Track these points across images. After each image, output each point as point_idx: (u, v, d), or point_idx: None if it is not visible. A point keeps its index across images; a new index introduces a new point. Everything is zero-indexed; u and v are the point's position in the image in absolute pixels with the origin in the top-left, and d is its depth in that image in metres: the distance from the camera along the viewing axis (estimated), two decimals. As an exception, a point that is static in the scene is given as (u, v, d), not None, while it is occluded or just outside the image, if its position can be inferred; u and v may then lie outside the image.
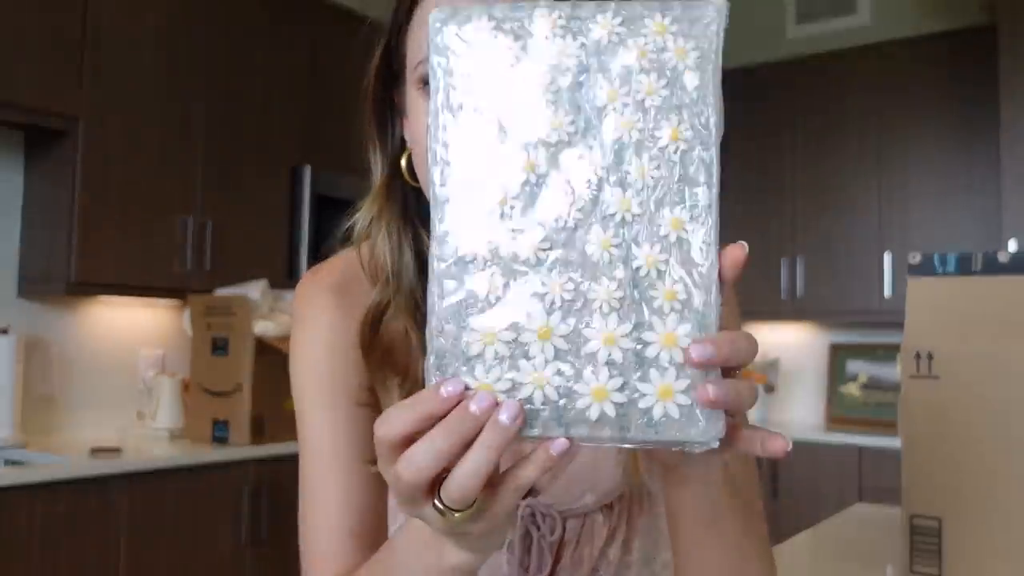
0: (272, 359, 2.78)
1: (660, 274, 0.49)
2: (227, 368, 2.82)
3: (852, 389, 4.02)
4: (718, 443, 0.48)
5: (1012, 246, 3.14)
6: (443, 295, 0.49)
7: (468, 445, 0.47)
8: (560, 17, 0.50)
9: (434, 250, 0.49)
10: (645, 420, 0.48)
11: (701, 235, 0.49)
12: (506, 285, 0.48)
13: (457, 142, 0.50)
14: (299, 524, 0.78)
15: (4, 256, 2.86)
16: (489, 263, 0.49)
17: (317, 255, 3.31)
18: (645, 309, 0.48)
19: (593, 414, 0.48)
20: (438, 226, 0.49)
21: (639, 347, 0.48)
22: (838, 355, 4.16)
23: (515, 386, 0.48)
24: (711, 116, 0.50)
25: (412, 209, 0.77)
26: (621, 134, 0.49)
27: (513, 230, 0.49)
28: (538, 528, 0.79)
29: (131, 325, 3.17)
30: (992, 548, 1.06)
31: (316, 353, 0.78)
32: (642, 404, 0.48)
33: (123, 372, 3.13)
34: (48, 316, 2.95)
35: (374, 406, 0.78)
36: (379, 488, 0.77)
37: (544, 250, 0.49)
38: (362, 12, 3.66)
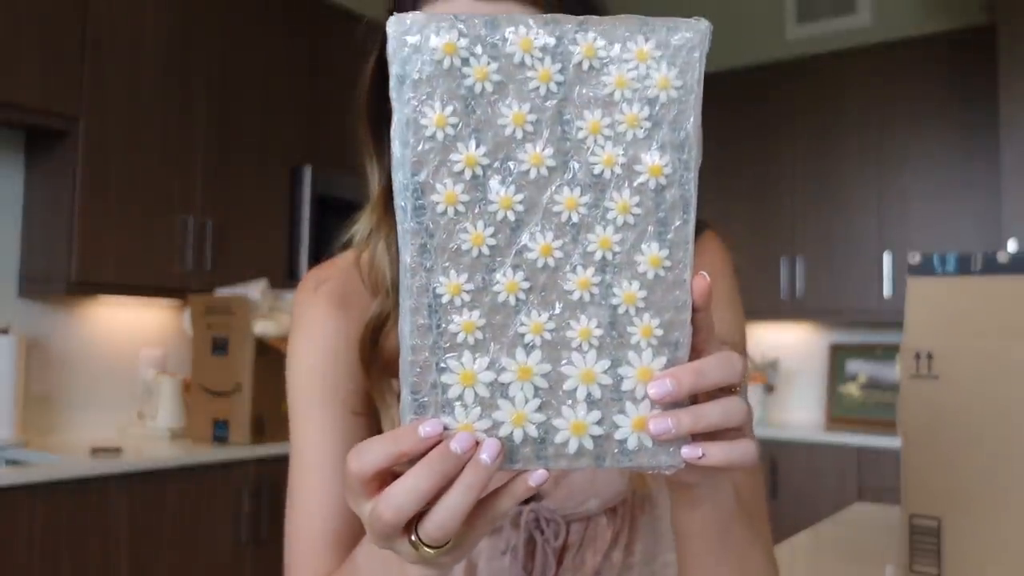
0: (272, 359, 2.78)
1: (638, 311, 0.48)
2: (227, 368, 2.82)
3: (852, 389, 4.02)
4: (685, 464, 0.49)
5: (1012, 246, 3.14)
6: (417, 333, 0.47)
7: (449, 484, 0.47)
8: (537, 37, 0.47)
9: (405, 282, 0.47)
10: (620, 450, 0.48)
11: (678, 271, 0.48)
12: (485, 326, 0.47)
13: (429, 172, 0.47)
14: (285, 525, 0.79)
15: (4, 256, 2.86)
16: (467, 304, 0.47)
17: (317, 256, 3.31)
18: (623, 346, 0.48)
19: (572, 448, 0.48)
20: (408, 259, 0.47)
21: (616, 381, 0.48)
22: (838, 355, 4.16)
23: (495, 425, 0.47)
24: (692, 148, 0.48)
25: None
26: (603, 170, 0.48)
27: (491, 270, 0.47)
28: (542, 532, 0.79)
29: (131, 325, 3.17)
30: (992, 548, 1.06)
31: (313, 357, 0.78)
32: (618, 436, 0.48)
33: (123, 372, 3.13)
34: (48, 316, 2.95)
35: (369, 414, 0.78)
36: None
37: (524, 291, 0.47)
38: (361, 12, 3.66)
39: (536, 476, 0.48)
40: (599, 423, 0.48)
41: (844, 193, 3.95)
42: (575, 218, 0.48)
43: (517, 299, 0.47)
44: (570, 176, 0.48)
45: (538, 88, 0.48)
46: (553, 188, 0.48)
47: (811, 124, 4.04)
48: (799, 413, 4.27)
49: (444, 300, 0.47)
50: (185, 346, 3.13)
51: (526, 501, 0.80)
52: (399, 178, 0.47)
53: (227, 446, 2.77)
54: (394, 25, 0.47)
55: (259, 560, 2.75)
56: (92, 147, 2.75)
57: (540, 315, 0.48)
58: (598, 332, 0.48)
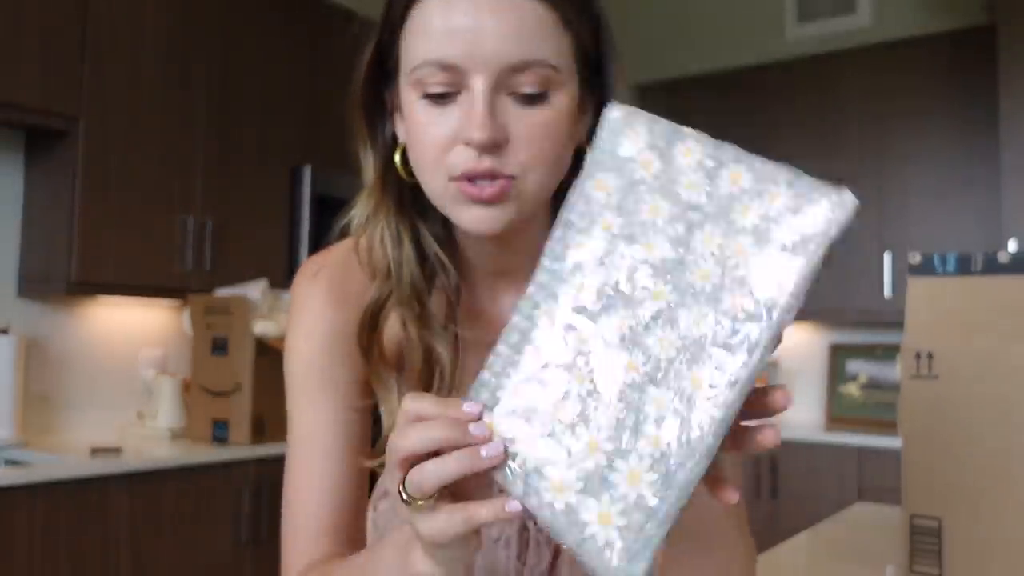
0: (272, 359, 2.78)
1: (659, 420, 0.51)
2: (227, 368, 2.82)
3: (852, 389, 4.01)
4: None
5: (1012, 246, 3.14)
6: (507, 343, 0.55)
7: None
8: (706, 158, 0.54)
9: (519, 308, 0.56)
10: (578, 530, 0.51)
11: (711, 406, 0.50)
12: (544, 366, 0.54)
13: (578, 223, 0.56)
14: (282, 512, 0.82)
15: (4, 256, 2.85)
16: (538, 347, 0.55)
17: (317, 255, 3.30)
18: (631, 440, 0.51)
19: (546, 498, 0.52)
20: (533, 293, 0.56)
21: (607, 467, 0.51)
22: (838, 355, 4.16)
23: (510, 441, 0.53)
24: (780, 300, 0.51)
25: (408, 202, 0.76)
26: (699, 282, 0.52)
27: (574, 326, 0.54)
28: (535, 523, 0.80)
29: (131, 325, 3.17)
30: (992, 548, 1.06)
31: (311, 348, 0.80)
32: (583, 515, 0.51)
33: (123, 372, 3.12)
34: (48, 316, 2.94)
35: (367, 407, 0.80)
36: (361, 484, 0.81)
37: (583, 353, 0.53)
38: (362, 12, 3.66)
39: (511, 506, 0.53)
40: (578, 492, 0.52)
41: (844, 193, 3.94)
42: (654, 312, 0.53)
43: (578, 352, 0.54)
44: (672, 275, 0.54)
45: (688, 197, 0.54)
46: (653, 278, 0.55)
47: (811, 124, 4.04)
48: (799, 413, 4.27)
49: (529, 338, 0.55)
50: (185, 346, 3.13)
51: None
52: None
53: (227, 446, 2.77)
54: (612, 111, 0.57)
55: (259, 560, 2.75)
56: (92, 147, 2.75)
57: (582, 376, 0.54)
58: (620, 415, 0.52)
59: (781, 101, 4.12)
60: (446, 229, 0.78)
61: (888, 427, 3.74)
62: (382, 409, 0.77)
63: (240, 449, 2.74)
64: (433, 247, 0.77)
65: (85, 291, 2.82)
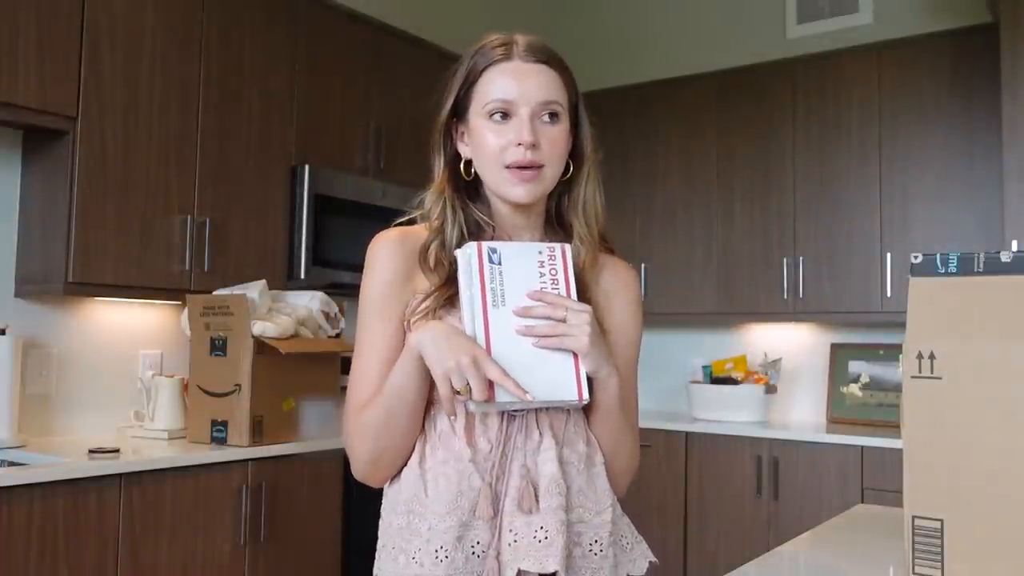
0: (271, 359, 2.77)
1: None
2: (226, 369, 2.81)
3: (853, 389, 4.00)
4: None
5: (1015, 246, 3.13)
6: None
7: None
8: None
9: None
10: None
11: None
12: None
13: None
14: (347, 388, 1.23)
15: (1, 256, 2.85)
16: None
17: (316, 254, 3.30)
18: None
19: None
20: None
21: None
22: (839, 355, 4.15)
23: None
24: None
25: (462, 190, 1.26)
26: None
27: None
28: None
29: (129, 325, 3.16)
30: (994, 549, 1.05)
31: (381, 277, 1.22)
32: None
33: (121, 373, 3.12)
34: (46, 316, 2.94)
35: (402, 326, 1.21)
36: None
37: None
38: (363, 12, 3.65)
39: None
40: None
41: (845, 193, 3.94)
42: None
43: None
44: None
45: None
46: None
47: (812, 124, 4.04)
48: (801, 413, 4.26)
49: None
50: (183, 347, 3.12)
51: None
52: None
53: (226, 447, 2.76)
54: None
55: (258, 562, 2.74)
56: (90, 146, 2.74)
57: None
58: None
59: (782, 100, 4.11)
60: (486, 207, 1.26)
61: (890, 427, 3.74)
62: (433, 291, 1.20)
63: (239, 450, 2.73)
64: (476, 214, 1.25)
65: (83, 291, 2.81)
